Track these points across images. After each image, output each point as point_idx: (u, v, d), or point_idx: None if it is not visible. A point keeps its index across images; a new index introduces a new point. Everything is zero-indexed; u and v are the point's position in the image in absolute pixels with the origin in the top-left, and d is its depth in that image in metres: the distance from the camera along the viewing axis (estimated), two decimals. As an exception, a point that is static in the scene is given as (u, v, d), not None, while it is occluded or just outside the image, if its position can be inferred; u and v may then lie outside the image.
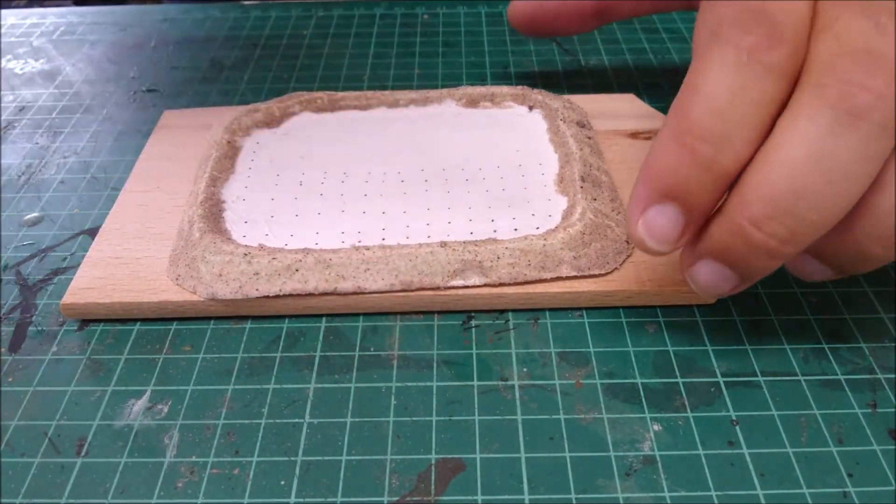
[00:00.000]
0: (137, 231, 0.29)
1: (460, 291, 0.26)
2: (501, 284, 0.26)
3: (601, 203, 0.28)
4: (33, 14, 0.49)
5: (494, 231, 0.28)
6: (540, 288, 0.26)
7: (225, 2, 0.50)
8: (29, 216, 0.32)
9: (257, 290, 0.26)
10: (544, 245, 0.26)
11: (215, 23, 0.48)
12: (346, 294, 0.26)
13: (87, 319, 0.27)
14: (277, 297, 0.26)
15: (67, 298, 0.26)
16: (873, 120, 0.19)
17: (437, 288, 0.26)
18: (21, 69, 0.43)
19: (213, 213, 0.29)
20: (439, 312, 0.27)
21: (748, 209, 0.20)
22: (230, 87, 0.41)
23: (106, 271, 0.27)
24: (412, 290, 0.26)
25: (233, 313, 0.27)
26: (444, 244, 0.26)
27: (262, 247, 0.27)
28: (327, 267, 0.26)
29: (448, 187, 0.31)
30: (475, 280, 0.26)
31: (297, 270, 0.26)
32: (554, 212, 0.29)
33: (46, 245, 0.31)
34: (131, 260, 0.28)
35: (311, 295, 0.26)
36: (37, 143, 0.37)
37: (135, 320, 0.27)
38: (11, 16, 0.49)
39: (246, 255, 0.26)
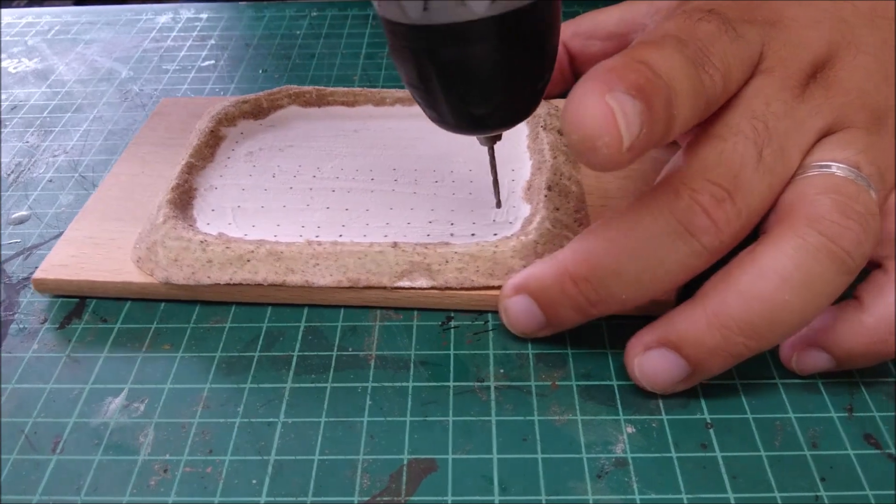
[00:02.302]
0: (117, 213, 0.30)
1: (409, 292, 0.26)
2: (448, 288, 0.26)
3: (563, 213, 0.28)
4: (29, 13, 0.50)
5: (451, 235, 0.28)
6: (489, 292, 0.26)
7: (220, 1, 0.51)
8: (16, 214, 0.32)
9: (209, 277, 0.26)
10: (494, 252, 0.26)
11: (209, 22, 0.48)
12: (294, 287, 0.26)
13: (59, 295, 0.28)
14: (229, 284, 0.26)
15: (38, 274, 0.27)
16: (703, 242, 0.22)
17: (385, 287, 0.26)
18: (15, 68, 0.44)
19: (183, 200, 0.29)
20: (419, 311, 0.27)
21: (574, 267, 0.23)
22: (222, 87, 0.41)
23: (79, 250, 0.28)
24: (360, 288, 0.26)
25: (189, 297, 0.27)
26: (395, 245, 0.26)
27: (220, 235, 0.27)
28: (278, 259, 0.26)
29: (416, 188, 0.30)
30: (422, 282, 0.26)
31: (248, 261, 0.26)
32: (516, 219, 0.28)
33: (32, 243, 0.31)
34: (106, 241, 0.28)
35: (260, 285, 0.26)
36: (27, 142, 0.37)
37: (116, 317, 0.27)
38: (8, 15, 0.49)
39: (202, 242, 0.26)
